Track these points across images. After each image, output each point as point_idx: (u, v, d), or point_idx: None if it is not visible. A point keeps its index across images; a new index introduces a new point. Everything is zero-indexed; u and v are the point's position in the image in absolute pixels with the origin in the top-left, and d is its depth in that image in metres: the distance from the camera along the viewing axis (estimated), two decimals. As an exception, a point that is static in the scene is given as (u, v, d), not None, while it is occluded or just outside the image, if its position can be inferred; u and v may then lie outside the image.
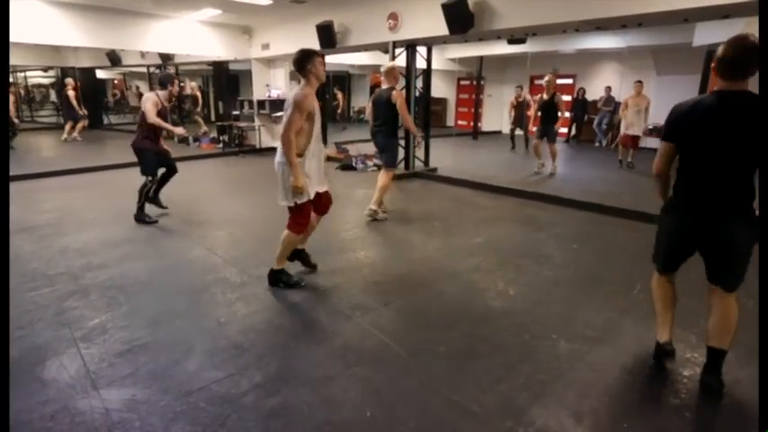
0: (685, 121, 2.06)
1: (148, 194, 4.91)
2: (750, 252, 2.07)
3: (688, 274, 2.42)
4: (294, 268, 3.43)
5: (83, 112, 11.52)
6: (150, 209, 4.96)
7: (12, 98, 10.38)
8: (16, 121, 10.46)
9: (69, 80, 11.40)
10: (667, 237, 2.27)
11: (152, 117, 4.59)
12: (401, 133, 5.84)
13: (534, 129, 8.02)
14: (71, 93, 11.08)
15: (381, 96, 4.93)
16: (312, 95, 2.97)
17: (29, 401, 2.03)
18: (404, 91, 4.97)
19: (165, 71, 5.33)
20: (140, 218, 4.84)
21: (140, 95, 18.25)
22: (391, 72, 4.99)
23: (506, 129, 11.40)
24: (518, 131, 10.61)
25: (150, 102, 4.67)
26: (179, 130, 5.17)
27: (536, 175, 7.43)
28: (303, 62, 2.95)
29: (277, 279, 3.26)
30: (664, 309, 2.37)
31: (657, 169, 2.23)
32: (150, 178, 4.86)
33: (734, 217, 2.02)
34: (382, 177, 4.99)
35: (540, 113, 7.48)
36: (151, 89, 13.50)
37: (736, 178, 2.00)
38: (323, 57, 3.08)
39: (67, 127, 11.40)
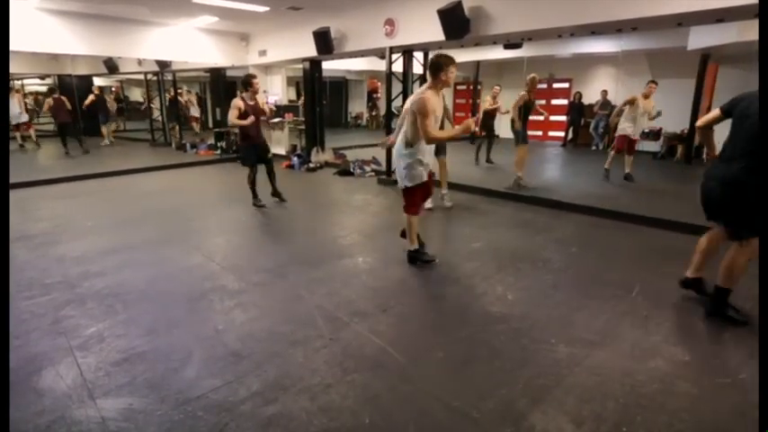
0: (737, 105, 2.74)
1: (254, 184, 5.73)
2: (751, 212, 2.58)
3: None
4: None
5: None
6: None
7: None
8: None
9: (112, 88, 12.57)
10: (701, 192, 2.89)
11: (231, 120, 5.46)
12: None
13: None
14: (110, 98, 12.42)
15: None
16: (430, 98, 3.25)
17: (25, 412, 2.01)
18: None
19: (247, 73, 5.91)
20: (255, 204, 5.74)
21: (119, 100, 18.46)
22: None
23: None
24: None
25: (232, 107, 5.41)
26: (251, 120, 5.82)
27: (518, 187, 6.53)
28: (438, 70, 3.27)
29: (414, 258, 3.77)
30: (699, 254, 3.06)
31: (701, 123, 2.96)
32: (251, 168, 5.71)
33: (745, 180, 2.60)
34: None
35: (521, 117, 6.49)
36: (148, 96, 13.59)
37: (750, 156, 2.56)
38: (456, 65, 3.33)
39: (109, 130, 12.38)
